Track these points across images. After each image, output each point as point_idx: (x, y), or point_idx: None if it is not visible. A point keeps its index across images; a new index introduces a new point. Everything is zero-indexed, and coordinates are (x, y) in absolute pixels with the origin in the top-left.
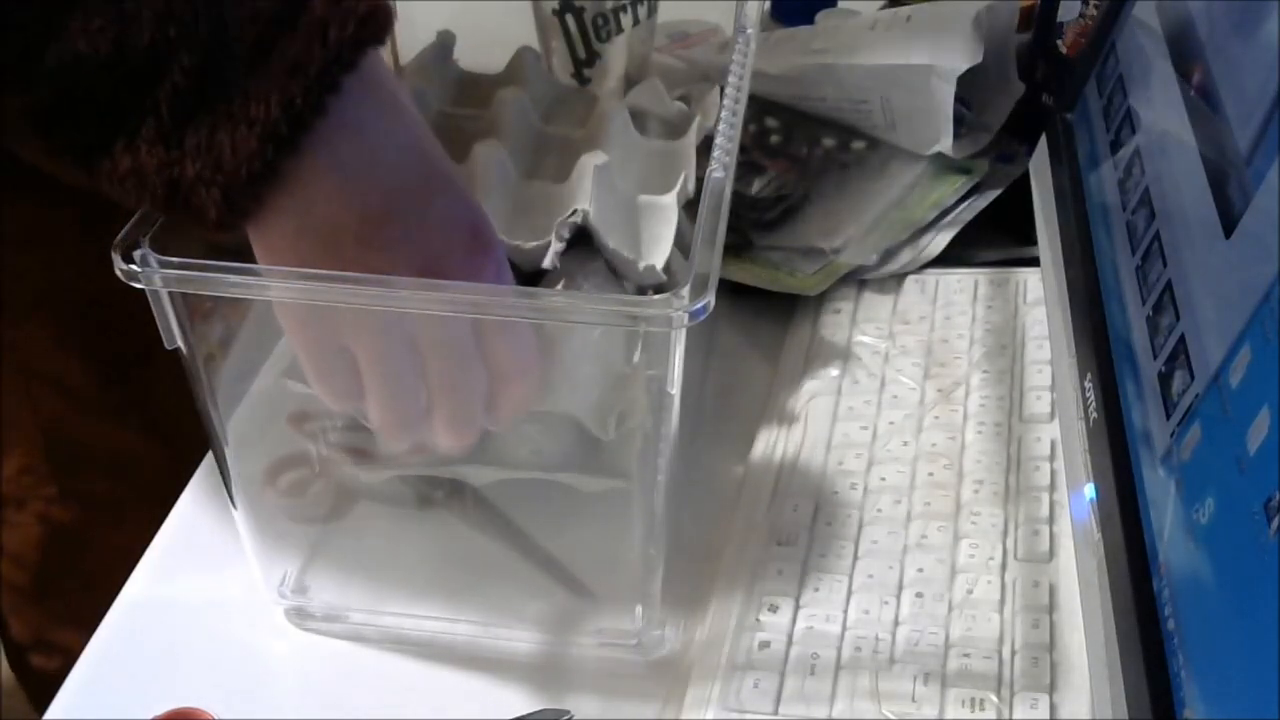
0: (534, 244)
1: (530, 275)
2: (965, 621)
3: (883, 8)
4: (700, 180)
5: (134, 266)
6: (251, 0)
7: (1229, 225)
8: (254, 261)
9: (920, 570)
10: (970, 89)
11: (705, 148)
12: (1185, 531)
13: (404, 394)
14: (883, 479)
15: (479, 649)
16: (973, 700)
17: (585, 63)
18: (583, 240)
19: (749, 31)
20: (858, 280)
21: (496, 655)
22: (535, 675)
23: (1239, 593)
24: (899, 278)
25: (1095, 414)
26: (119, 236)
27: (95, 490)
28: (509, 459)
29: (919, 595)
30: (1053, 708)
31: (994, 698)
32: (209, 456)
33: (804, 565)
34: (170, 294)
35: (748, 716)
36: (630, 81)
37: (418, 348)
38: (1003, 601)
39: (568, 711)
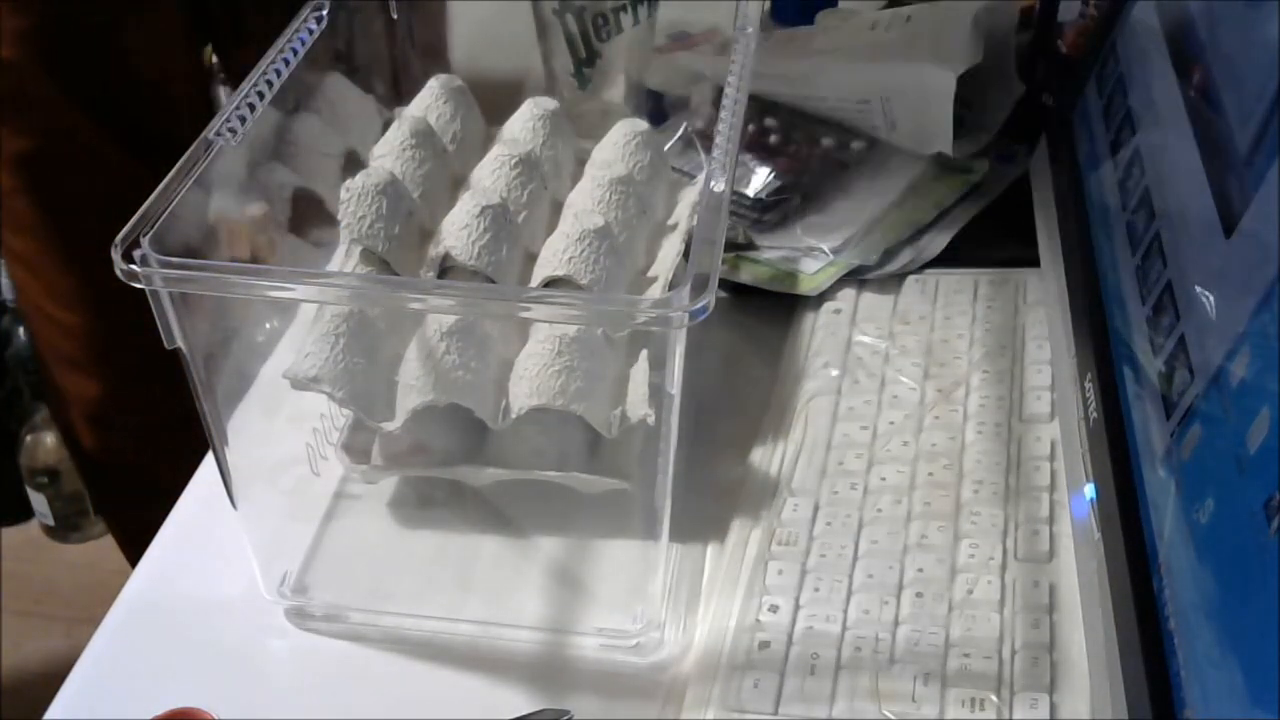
0: None
1: None
2: (965, 621)
3: (883, 8)
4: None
5: (134, 266)
6: None
7: (1229, 225)
8: (254, 263)
9: (920, 570)
10: (970, 89)
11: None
12: (1185, 531)
13: None
14: (883, 479)
15: (479, 649)
16: (973, 700)
17: (585, 63)
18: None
19: (749, 31)
20: (858, 280)
21: (496, 655)
22: (535, 675)
23: (1239, 593)
24: (899, 278)
25: (1095, 414)
26: (119, 236)
27: None
28: (509, 459)
29: (919, 595)
30: (1053, 708)
31: (994, 698)
32: (209, 456)
33: (804, 565)
34: (170, 294)
35: (748, 716)
36: (630, 82)
37: None
38: (1003, 601)
39: (568, 711)
